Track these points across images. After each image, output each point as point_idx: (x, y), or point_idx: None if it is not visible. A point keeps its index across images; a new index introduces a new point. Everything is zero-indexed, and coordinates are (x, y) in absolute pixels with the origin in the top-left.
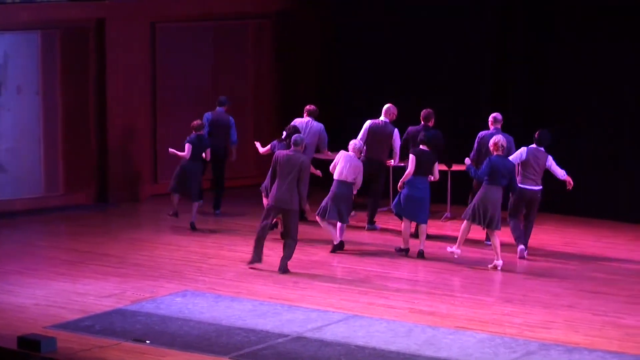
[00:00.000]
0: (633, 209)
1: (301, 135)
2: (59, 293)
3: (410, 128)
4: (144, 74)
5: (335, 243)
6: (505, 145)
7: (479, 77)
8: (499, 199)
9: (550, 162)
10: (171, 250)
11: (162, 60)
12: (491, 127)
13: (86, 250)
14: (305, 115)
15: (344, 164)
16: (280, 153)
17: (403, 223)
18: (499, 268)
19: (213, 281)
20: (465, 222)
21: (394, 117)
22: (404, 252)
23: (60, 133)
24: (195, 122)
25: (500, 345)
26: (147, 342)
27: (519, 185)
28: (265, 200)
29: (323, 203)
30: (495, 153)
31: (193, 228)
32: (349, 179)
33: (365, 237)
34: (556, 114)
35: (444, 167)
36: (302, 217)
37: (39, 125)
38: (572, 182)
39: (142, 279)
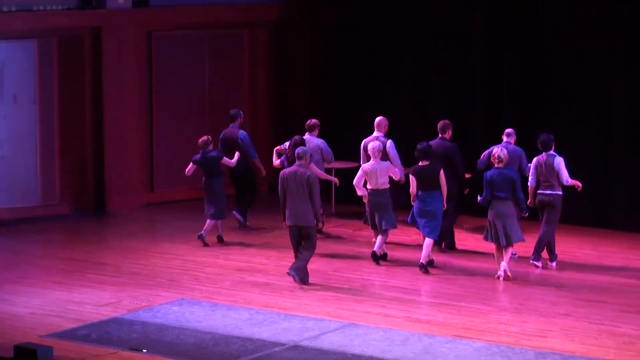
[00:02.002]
0: (629, 217)
1: (305, 147)
2: (55, 302)
3: (430, 143)
4: (140, 82)
5: (375, 250)
6: (502, 156)
7: (474, 83)
8: (510, 211)
9: (559, 164)
10: (167, 259)
11: (158, 69)
12: (504, 140)
13: (82, 259)
14: (305, 130)
15: (371, 174)
16: (285, 171)
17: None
18: (502, 278)
19: (209, 290)
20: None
21: (387, 129)
22: (427, 267)
23: (56, 141)
24: (200, 140)
25: (497, 354)
26: (144, 350)
27: (538, 192)
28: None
29: (367, 214)
30: (496, 165)
31: (201, 239)
32: (383, 186)
33: (361, 246)
34: (551, 122)
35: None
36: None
37: (35, 133)
38: (580, 184)
39: (138, 287)
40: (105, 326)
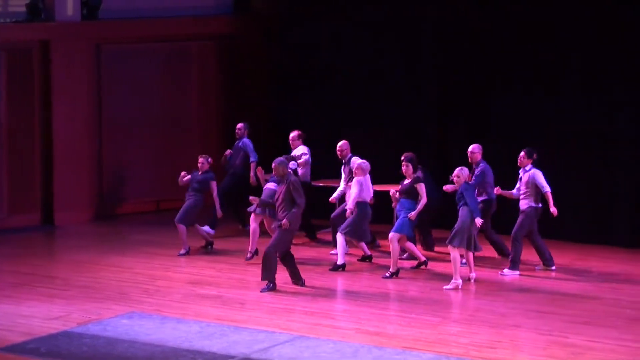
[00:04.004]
0: (578, 228)
1: (279, 159)
2: (3, 315)
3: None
4: (89, 95)
5: (338, 263)
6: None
7: (425, 107)
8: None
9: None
10: (117, 272)
11: (107, 82)
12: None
13: (31, 272)
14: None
15: (358, 187)
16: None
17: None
18: (460, 287)
19: (159, 302)
20: (460, 251)
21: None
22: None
23: (4, 154)
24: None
25: None
26: None
27: (534, 205)
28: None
29: (350, 223)
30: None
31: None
32: (368, 198)
33: (311, 257)
34: (504, 131)
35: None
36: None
37: None
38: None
39: (88, 300)
40: (54, 340)
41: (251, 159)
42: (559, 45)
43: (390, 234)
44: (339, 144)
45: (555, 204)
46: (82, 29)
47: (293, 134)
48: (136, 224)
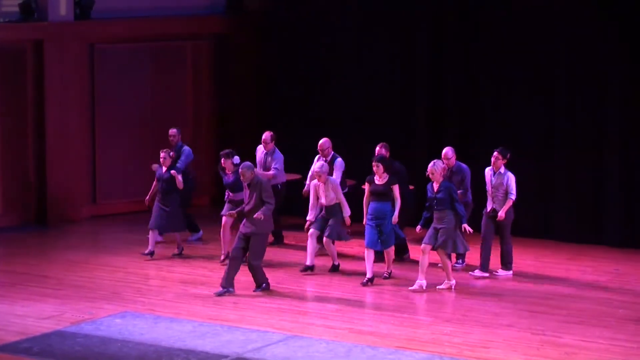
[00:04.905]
0: (570, 228)
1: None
2: None
3: None
4: (82, 95)
5: (335, 263)
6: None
7: (414, 105)
8: None
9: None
10: (110, 272)
11: (100, 81)
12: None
13: (24, 271)
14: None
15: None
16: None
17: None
18: (453, 287)
19: (152, 302)
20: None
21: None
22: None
23: None
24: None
25: None
26: None
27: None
28: None
29: (334, 226)
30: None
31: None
32: (332, 202)
33: (301, 258)
34: (498, 133)
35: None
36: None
37: None
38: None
39: (81, 300)
40: (47, 339)
41: (179, 165)
42: (552, 47)
43: (387, 249)
44: (320, 142)
45: (547, 204)
46: (75, 29)
47: (267, 135)
48: (130, 223)
